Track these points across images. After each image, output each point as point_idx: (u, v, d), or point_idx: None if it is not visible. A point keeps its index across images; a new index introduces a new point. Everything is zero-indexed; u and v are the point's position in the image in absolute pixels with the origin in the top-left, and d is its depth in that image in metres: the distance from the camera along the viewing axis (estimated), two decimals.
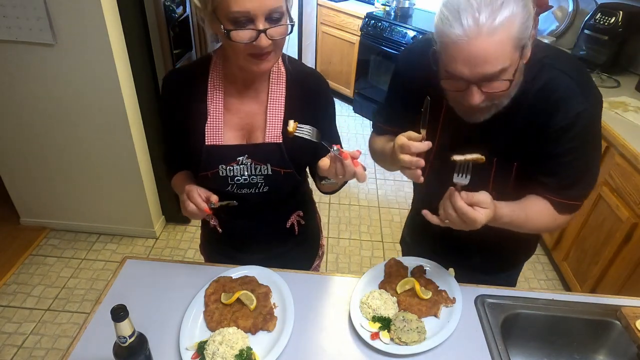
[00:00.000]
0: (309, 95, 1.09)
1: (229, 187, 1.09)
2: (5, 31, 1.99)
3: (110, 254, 2.62)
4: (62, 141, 2.36)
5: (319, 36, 4.40)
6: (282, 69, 1.07)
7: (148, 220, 2.68)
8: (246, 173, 1.08)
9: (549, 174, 1.02)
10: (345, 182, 1.09)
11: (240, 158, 1.06)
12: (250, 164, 1.07)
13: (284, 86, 1.07)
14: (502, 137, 1.01)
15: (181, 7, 2.26)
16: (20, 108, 2.25)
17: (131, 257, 1.25)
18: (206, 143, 1.04)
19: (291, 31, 0.92)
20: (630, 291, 1.96)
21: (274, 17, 0.88)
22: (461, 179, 0.93)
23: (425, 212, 0.99)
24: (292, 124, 0.91)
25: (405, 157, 0.95)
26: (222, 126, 1.05)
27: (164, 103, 1.12)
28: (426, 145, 0.95)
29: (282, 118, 1.06)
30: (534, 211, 1.04)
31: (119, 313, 0.79)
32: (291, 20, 0.92)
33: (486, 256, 1.29)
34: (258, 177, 1.09)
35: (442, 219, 0.96)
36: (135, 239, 2.73)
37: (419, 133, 0.95)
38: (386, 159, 1.14)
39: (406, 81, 1.12)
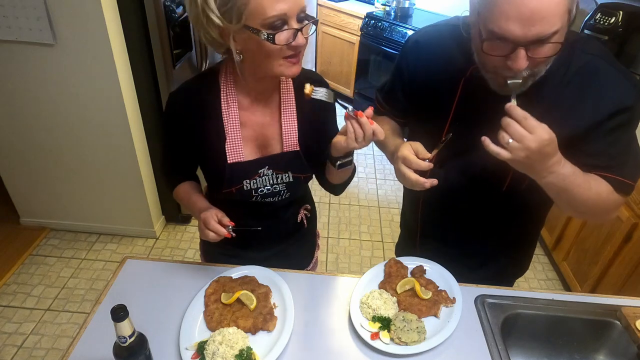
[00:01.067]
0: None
1: (254, 198, 1.11)
2: (5, 31, 1.99)
3: (110, 254, 2.62)
4: (62, 141, 2.36)
5: (319, 36, 4.40)
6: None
7: (148, 220, 2.68)
8: (269, 183, 1.09)
9: (596, 154, 0.97)
10: (354, 173, 1.14)
11: (262, 170, 1.08)
12: (272, 174, 1.09)
13: (293, 94, 1.07)
14: None
15: (181, 7, 2.26)
16: (20, 108, 2.25)
17: (131, 257, 1.25)
18: (228, 161, 1.05)
19: (315, 29, 0.93)
20: (630, 291, 1.96)
21: (302, 16, 0.90)
22: (515, 78, 0.85)
23: (484, 139, 0.88)
24: (308, 87, 0.91)
25: (412, 176, 0.96)
26: (241, 142, 1.06)
27: (171, 123, 1.10)
28: (427, 166, 0.95)
29: (297, 126, 1.07)
30: (593, 178, 0.97)
31: (119, 313, 0.80)
32: (311, 17, 0.93)
33: (474, 271, 1.27)
34: (280, 185, 1.11)
35: (504, 141, 0.85)
36: (135, 239, 2.73)
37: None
38: (385, 152, 1.14)
39: (410, 71, 1.11)
